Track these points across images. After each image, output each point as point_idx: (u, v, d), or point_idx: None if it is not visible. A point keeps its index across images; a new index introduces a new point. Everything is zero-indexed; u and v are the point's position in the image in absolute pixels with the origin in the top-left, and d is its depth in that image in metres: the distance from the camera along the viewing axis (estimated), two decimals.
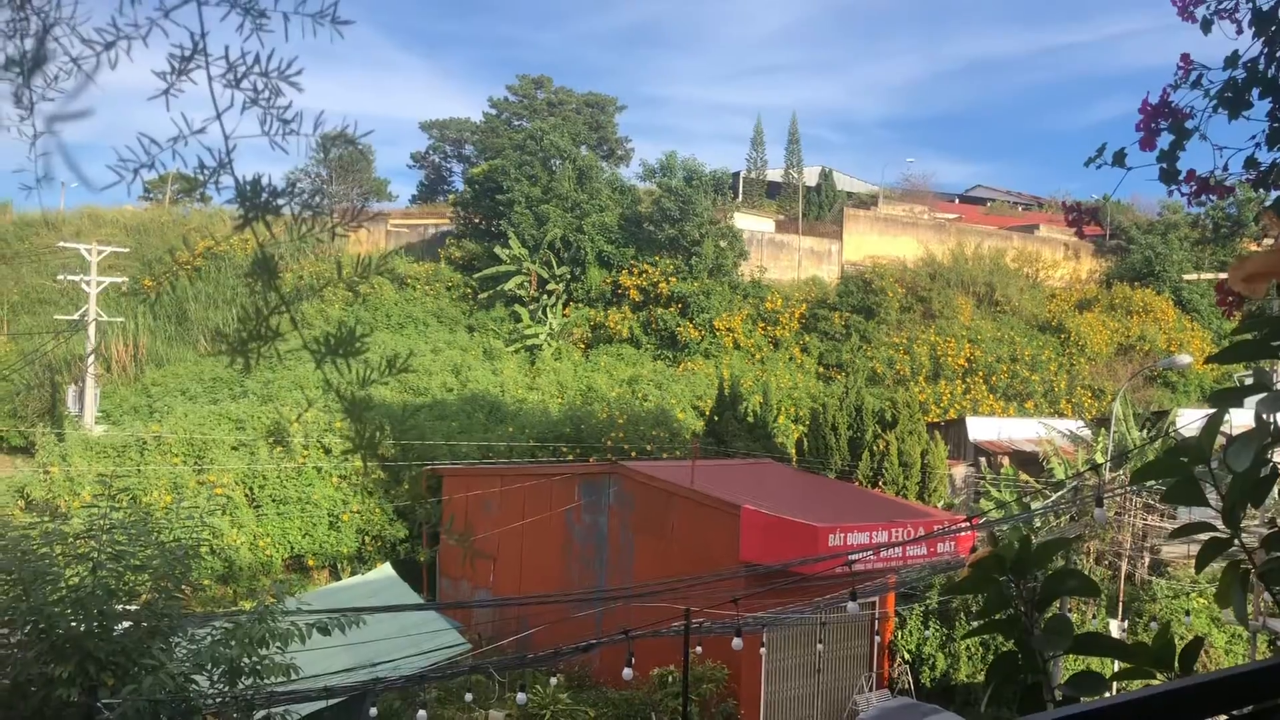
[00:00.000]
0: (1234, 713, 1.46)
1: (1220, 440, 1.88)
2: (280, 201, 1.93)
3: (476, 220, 48.16)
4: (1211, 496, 1.88)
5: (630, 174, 52.59)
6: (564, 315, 44.85)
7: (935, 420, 35.26)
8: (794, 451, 29.43)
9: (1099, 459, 23.12)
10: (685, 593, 16.47)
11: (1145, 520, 24.60)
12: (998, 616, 1.73)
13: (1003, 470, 28.31)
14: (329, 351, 1.96)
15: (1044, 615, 1.71)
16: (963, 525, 19.99)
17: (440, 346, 41.55)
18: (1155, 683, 1.47)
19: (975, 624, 1.77)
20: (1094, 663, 13.56)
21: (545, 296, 44.61)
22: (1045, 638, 1.68)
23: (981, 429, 33.20)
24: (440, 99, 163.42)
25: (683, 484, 21.51)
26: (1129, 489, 21.72)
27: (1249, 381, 1.80)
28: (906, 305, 46.43)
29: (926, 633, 21.35)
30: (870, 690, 21.20)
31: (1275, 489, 1.90)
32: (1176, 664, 1.65)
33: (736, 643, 14.46)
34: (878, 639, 21.84)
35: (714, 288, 44.22)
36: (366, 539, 29.26)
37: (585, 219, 45.18)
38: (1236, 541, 1.86)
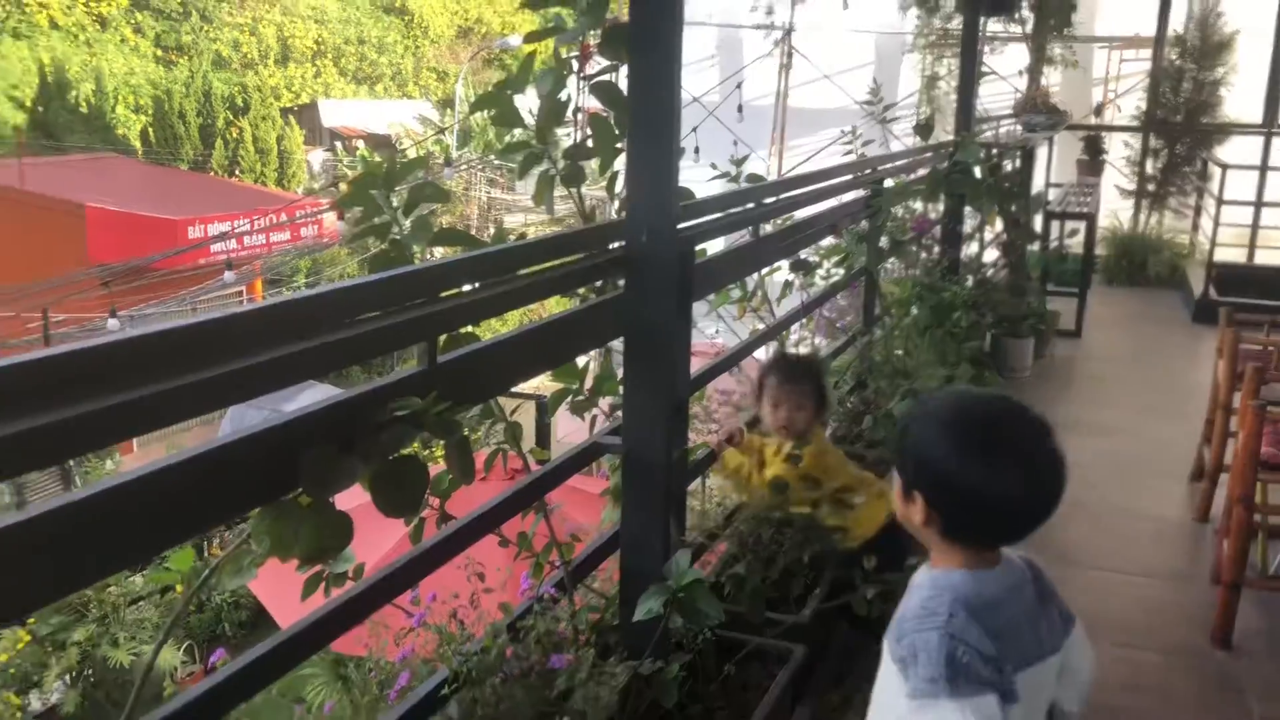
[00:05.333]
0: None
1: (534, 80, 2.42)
2: None
3: None
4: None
5: None
6: None
7: (289, 105, 34.52)
8: (139, 143, 27.34)
9: (447, 135, 24.56)
10: (21, 301, 15.46)
11: (489, 194, 26.88)
12: (375, 222, 2.14)
13: (359, 153, 28.78)
14: None
15: (410, 219, 2.16)
16: (322, 209, 20.58)
17: None
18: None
19: (356, 230, 2.16)
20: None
21: None
22: (412, 234, 2.14)
23: (335, 113, 33.18)
24: None
25: (13, 185, 19.54)
26: (475, 162, 23.49)
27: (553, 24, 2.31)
28: None
29: None
30: None
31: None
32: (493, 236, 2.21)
33: None
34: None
35: None
36: None
37: None
38: (547, 156, 2.45)
